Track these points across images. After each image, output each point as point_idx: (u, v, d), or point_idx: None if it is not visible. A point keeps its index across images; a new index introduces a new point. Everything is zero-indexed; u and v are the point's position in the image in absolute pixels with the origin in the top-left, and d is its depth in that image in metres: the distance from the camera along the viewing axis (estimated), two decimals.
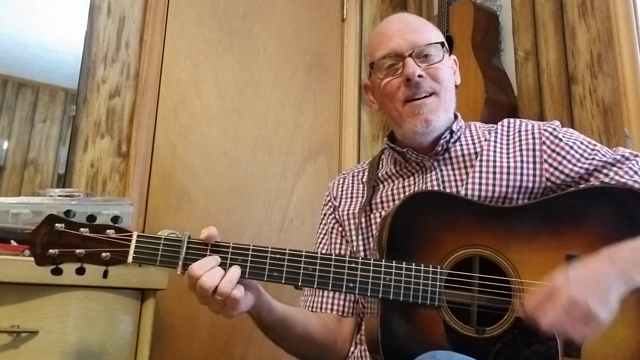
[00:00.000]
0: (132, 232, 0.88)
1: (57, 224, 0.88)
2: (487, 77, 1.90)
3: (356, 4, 2.39)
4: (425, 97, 1.07)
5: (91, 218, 0.90)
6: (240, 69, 2.11)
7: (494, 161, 1.08)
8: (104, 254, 0.87)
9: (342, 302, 1.14)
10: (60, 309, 1.13)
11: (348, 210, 1.19)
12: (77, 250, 0.87)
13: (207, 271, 0.84)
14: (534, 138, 1.08)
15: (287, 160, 2.13)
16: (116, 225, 0.89)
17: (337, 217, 1.21)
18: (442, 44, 1.12)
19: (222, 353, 1.85)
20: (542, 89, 1.87)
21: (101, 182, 1.77)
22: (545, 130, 1.09)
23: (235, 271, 0.86)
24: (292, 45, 2.24)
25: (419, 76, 1.06)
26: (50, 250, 0.87)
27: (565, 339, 0.85)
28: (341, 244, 1.19)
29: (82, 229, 0.88)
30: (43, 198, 1.40)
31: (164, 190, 1.88)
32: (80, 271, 0.89)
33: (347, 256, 0.92)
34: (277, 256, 0.89)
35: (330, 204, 1.24)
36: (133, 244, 0.88)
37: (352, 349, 1.12)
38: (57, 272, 0.89)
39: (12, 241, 1.29)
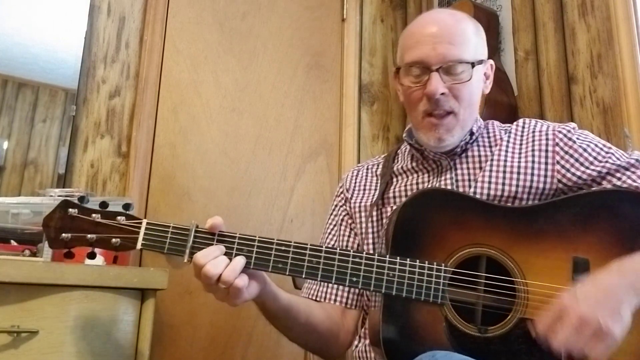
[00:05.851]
0: (142, 219, 0.91)
1: (70, 209, 0.91)
2: None
3: (356, 4, 2.39)
4: (444, 116, 1.06)
5: (104, 204, 0.92)
6: (240, 69, 2.11)
7: (505, 161, 1.07)
8: (114, 239, 0.89)
9: (346, 294, 1.14)
10: (60, 309, 1.13)
11: (360, 202, 1.18)
12: (89, 235, 0.90)
13: (211, 260, 0.86)
14: (547, 139, 1.07)
15: (287, 160, 2.13)
16: (127, 212, 0.92)
17: (347, 209, 1.20)
18: (472, 64, 1.05)
19: (222, 353, 1.84)
20: (542, 89, 1.87)
21: (101, 182, 1.77)
22: (559, 131, 1.08)
23: (239, 261, 0.87)
24: (292, 45, 2.24)
25: (442, 93, 1.04)
26: (63, 235, 0.90)
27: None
28: (349, 236, 1.19)
29: (94, 215, 0.90)
30: (43, 198, 1.40)
31: (164, 190, 1.88)
32: (92, 256, 0.92)
33: (352, 250, 0.92)
34: (283, 248, 0.90)
35: (342, 195, 1.23)
36: (142, 231, 0.90)
37: (356, 342, 1.13)
38: (69, 255, 0.92)
39: (12, 241, 1.29)
